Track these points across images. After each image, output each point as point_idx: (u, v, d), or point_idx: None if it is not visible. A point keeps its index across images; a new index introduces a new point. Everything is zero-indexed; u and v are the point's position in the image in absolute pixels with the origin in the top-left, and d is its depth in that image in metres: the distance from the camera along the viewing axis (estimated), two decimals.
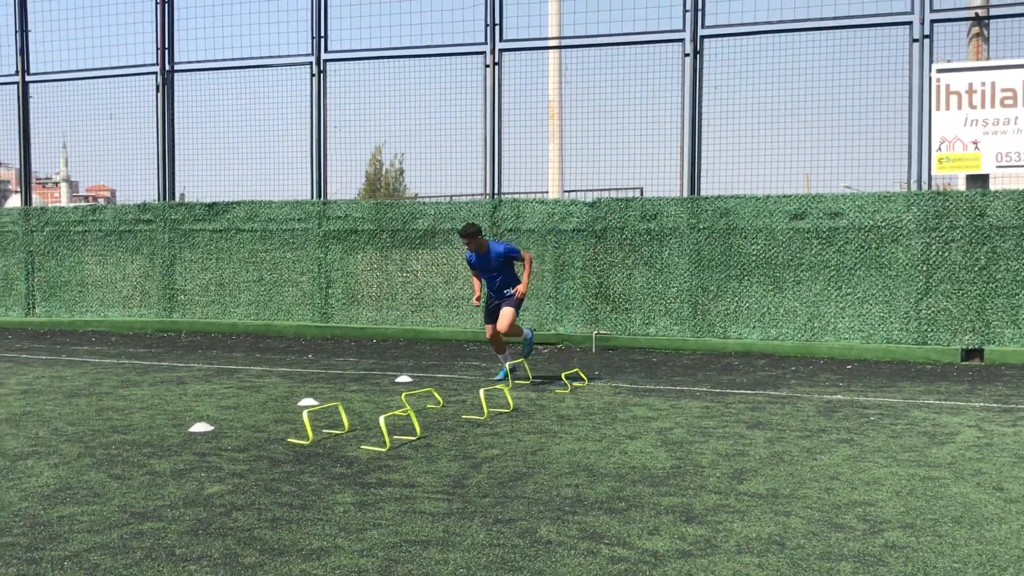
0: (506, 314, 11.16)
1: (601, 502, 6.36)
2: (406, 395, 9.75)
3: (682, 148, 15.71)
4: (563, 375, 11.88)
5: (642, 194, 16.47)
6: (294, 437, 8.42)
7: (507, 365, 11.56)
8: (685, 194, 15.66)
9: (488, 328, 11.54)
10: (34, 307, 19.49)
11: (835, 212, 14.63)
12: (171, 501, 6.38)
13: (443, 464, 7.45)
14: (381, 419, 8.29)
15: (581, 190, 16.86)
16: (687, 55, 15.52)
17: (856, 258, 14.53)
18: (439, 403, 10.10)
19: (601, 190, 16.51)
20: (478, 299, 11.56)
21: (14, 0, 19.62)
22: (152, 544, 5.48)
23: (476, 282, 11.59)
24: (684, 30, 15.52)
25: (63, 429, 8.79)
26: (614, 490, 6.66)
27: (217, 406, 10.03)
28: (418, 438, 8.37)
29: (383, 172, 32.90)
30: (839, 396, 10.79)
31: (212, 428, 8.77)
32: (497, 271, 11.30)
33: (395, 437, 8.34)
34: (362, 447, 8.04)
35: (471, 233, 11.14)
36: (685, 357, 14.48)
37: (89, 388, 11.26)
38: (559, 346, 15.77)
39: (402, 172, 31.33)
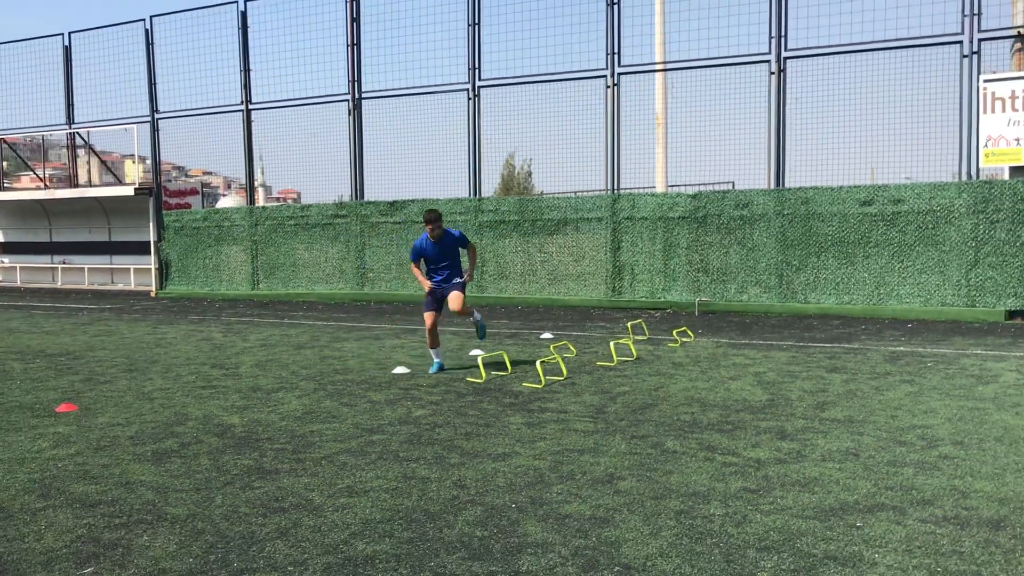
0: (457, 296, 9.39)
1: (713, 425, 6.76)
2: (553, 346, 10.28)
3: (768, 148, 15.78)
4: (674, 332, 12.23)
5: (734, 187, 16.59)
6: (471, 377, 9.03)
7: (437, 360, 9.56)
8: (771, 186, 15.74)
9: (429, 316, 9.46)
10: (258, 283, 20.72)
11: (897, 199, 14.54)
12: (389, 421, 7.04)
13: (587, 397, 7.95)
14: (537, 363, 8.84)
15: (683, 184, 17.08)
16: (772, 73, 15.57)
17: (915, 236, 14.42)
18: (572, 353, 10.60)
19: (700, 184, 16.71)
20: (430, 288, 9.59)
21: (239, 46, 20.79)
22: (381, 449, 6.13)
23: (418, 272, 9.75)
24: (770, 53, 15.56)
25: (299, 371, 9.60)
26: (722, 416, 7.06)
27: (409, 355, 10.73)
28: (565, 378, 8.88)
29: (515, 173, 33.36)
30: (902, 348, 10.87)
31: (409, 371, 9.46)
32: (449, 257, 9.49)
33: (548, 378, 8.88)
34: (523, 384, 8.59)
35: (437, 218, 9.29)
36: (772, 318, 14.63)
37: (311, 342, 12.12)
38: (668, 311, 16.07)
39: (530, 174, 31.70)
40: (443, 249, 9.47)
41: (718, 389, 8.22)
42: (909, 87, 14.84)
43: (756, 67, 15.80)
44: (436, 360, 9.54)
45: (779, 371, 9.19)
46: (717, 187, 16.55)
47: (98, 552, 4.25)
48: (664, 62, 17.39)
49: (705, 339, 11.96)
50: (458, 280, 9.55)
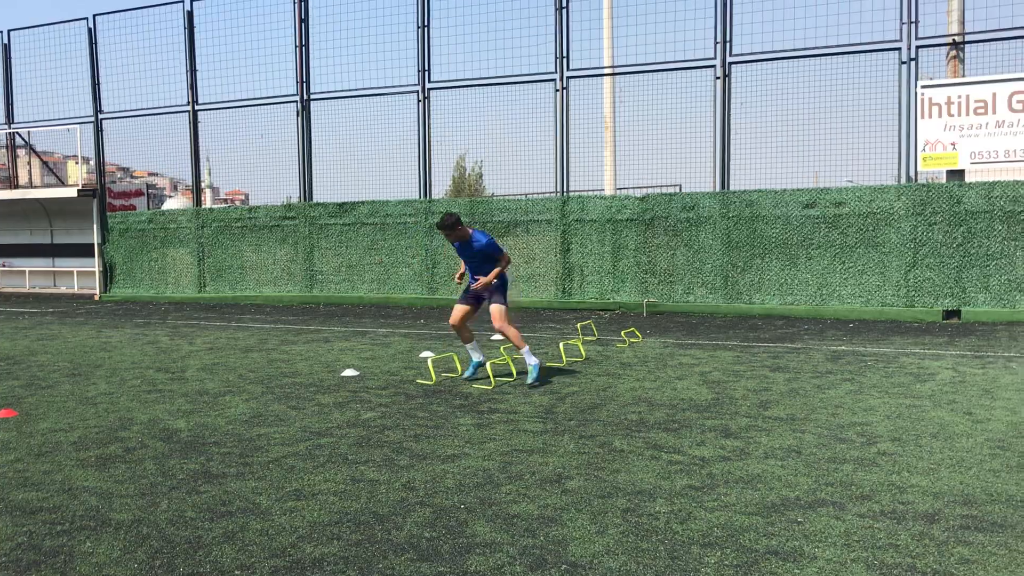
0: (496, 311, 8.73)
1: (659, 424, 6.84)
2: (504, 348, 10.30)
3: (714, 151, 15.99)
4: (623, 333, 12.33)
5: (681, 190, 16.77)
6: (421, 379, 9.02)
7: (476, 356, 9.04)
8: (717, 188, 15.95)
9: (457, 309, 8.94)
10: (205, 286, 20.43)
11: (839, 202, 14.84)
12: (338, 424, 7.01)
13: (536, 397, 7.98)
14: (487, 365, 8.85)
15: (631, 188, 17.22)
16: (718, 78, 15.78)
17: (856, 238, 14.73)
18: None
19: (648, 187, 16.86)
20: (461, 276, 9.05)
21: (185, 46, 20.49)
22: (330, 452, 6.10)
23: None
24: (715, 58, 15.78)
25: (246, 375, 9.49)
26: (668, 415, 7.14)
27: (358, 357, 10.68)
28: (515, 379, 8.91)
29: (466, 175, 33.32)
30: (843, 347, 11.10)
31: (358, 373, 9.41)
32: (479, 263, 8.69)
33: (497, 378, 8.90)
34: (473, 385, 8.60)
35: (448, 225, 8.40)
36: (718, 319, 14.83)
37: (258, 345, 11.99)
38: (617, 311, 16.20)
39: (481, 175, 31.67)
40: (469, 254, 8.65)
41: (665, 389, 8.32)
42: (850, 93, 15.17)
43: (702, 72, 16.01)
44: (473, 359, 8.96)
45: (724, 371, 9.33)
46: (664, 190, 16.74)
47: (39, 560, 4.17)
48: (612, 66, 17.53)
49: (653, 339, 12.08)
50: (495, 284, 8.72)
